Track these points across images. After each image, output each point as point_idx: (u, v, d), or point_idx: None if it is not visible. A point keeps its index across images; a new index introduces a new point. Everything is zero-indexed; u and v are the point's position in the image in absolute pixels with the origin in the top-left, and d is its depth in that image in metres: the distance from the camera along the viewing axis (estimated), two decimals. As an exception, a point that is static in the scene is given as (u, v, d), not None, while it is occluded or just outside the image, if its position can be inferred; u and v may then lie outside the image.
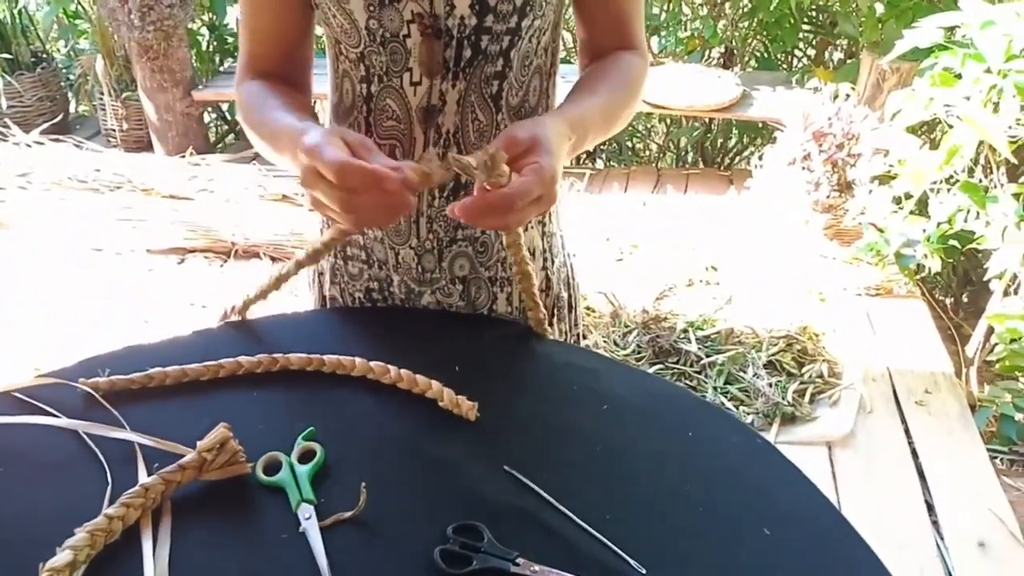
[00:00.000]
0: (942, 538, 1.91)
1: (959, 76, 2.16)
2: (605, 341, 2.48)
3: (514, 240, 0.89)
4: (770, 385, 2.28)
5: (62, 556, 0.65)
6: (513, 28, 0.88)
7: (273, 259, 3.02)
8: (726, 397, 2.28)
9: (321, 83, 0.97)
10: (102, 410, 0.82)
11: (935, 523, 1.95)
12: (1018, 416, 2.20)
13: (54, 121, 3.88)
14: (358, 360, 0.87)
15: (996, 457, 2.21)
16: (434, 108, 0.91)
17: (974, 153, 2.34)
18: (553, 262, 1.07)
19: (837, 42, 4.07)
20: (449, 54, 0.88)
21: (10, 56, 3.83)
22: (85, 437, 0.79)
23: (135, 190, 3.27)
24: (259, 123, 0.90)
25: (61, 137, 3.65)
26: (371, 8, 0.86)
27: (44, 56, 4.09)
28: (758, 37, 4.19)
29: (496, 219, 0.74)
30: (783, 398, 2.24)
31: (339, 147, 0.73)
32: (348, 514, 0.70)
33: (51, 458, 0.77)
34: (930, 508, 2.00)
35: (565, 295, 1.12)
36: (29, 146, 3.53)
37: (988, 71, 2.08)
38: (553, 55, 0.98)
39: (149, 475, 0.73)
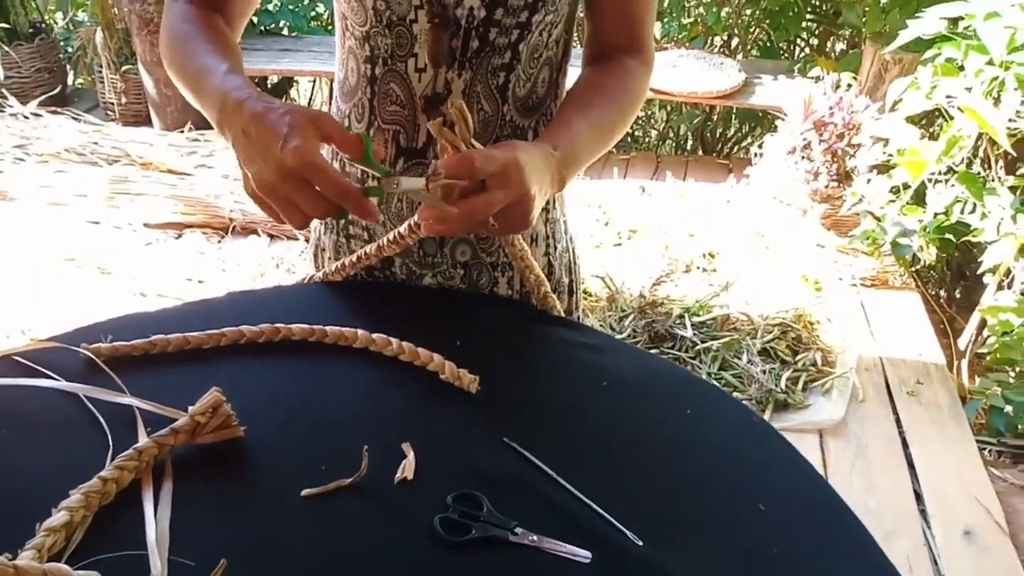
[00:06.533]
0: (929, 527, 1.93)
1: (962, 68, 2.17)
2: (601, 325, 2.49)
3: (510, 240, 0.91)
4: (764, 372, 2.29)
5: (58, 517, 0.65)
6: (523, 22, 0.87)
7: (271, 236, 3.02)
8: (720, 383, 2.29)
9: (328, 63, 0.96)
10: (103, 375, 0.82)
11: (923, 512, 1.97)
12: (1007, 408, 2.22)
13: (52, 93, 3.85)
14: (360, 332, 0.87)
15: (985, 448, 2.23)
16: (439, 97, 0.90)
17: (973, 145, 2.34)
18: (556, 247, 1.07)
19: (840, 32, 4.07)
20: (456, 44, 0.87)
21: (8, 26, 3.79)
22: (86, 401, 0.79)
23: (133, 164, 3.26)
24: (186, 58, 0.84)
25: (59, 109, 3.63)
26: None
27: (43, 27, 4.05)
28: (761, 25, 4.18)
29: (468, 224, 0.75)
30: (776, 385, 2.26)
31: (324, 159, 0.70)
32: (349, 480, 0.70)
33: (52, 421, 0.78)
34: (918, 497, 2.02)
35: (566, 280, 1.12)
36: (27, 117, 3.51)
37: (991, 63, 2.08)
38: (566, 46, 0.96)
39: (150, 439, 0.73)
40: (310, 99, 4.67)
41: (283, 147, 0.68)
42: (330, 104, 1.06)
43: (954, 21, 2.24)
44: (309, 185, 0.70)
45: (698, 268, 2.83)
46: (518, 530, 0.67)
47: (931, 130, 3.22)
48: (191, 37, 0.86)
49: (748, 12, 4.09)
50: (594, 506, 0.70)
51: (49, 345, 0.86)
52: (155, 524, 0.67)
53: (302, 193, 0.70)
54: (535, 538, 0.67)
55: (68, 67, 4.25)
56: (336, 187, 0.70)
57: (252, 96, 0.73)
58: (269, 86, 4.49)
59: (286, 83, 4.54)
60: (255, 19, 3.97)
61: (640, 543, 0.67)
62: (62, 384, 0.81)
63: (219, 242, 3.00)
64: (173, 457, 0.73)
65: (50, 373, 0.82)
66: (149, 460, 0.72)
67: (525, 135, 0.97)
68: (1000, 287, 2.42)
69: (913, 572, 1.82)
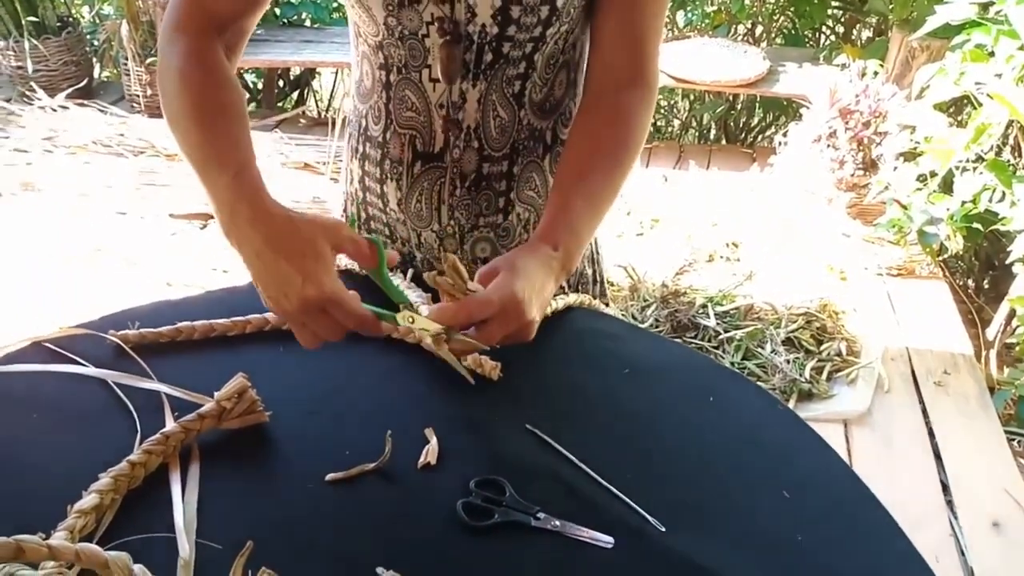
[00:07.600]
0: (956, 518, 1.91)
1: (991, 53, 2.13)
2: (624, 314, 2.48)
3: None
4: (788, 361, 2.27)
5: (88, 499, 0.66)
6: (537, 37, 0.86)
7: (294, 226, 3.03)
8: (743, 372, 2.28)
9: (345, 53, 0.95)
10: (131, 362, 0.83)
11: (950, 503, 1.95)
12: (1037, 399, 2.19)
13: (79, 86, 3.89)
14: (383, 319, 0.88)
15: (1013, 439, 2.20)
16: (455, 106, 0.90)
17: (1003, 133, 2.30)
18: None
19: (866, 19, 4.00)
20: (469, 57, 0.87)
21: (36, 19, 3.84)
22: (114, 387, 0.80)
23: (158, 155, 3.29)
24: (195, 128, 0.80)
25: (85, 102, 3.67)
26: (389, 7, 0.84)
27: (70, 20, 4.10)
28: (785, 13, 4.13)
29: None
30: (800, 375, 2.24)
31: (349, 294, 0.72)
32: (372, 465, 0.71)
33: (82, 406, 0.79)
34: (945, 488, 1.99)
35: (589, 271, 1.12)
36: (54, 110, 3.55)
37: (1022, 48, 2.04)
38: (582, 47, 0.94)
39: (177, 424, 0.74)
40: (332, 90, 4.68)
41: (304, 283, 0.70)
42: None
43: (984, 6, 2.20)
44: (327, 314, 0.72)
45: (721, 257, 2.81)
46: (540, 515, 0.67)
47: (959, 118, 3.17)
48: (199, 99, 0.81)
49: (772, 0, 4.05)
50: (616, 491, 0.70)
51: (78, 332, 0.87)
52: (183, 507, 0.68)
53: (319, 322, 0.72)
54: (557, 523, 0.67)
55: (94, 60, 4.30)
56: (353, 319, 0.72)
57: (264, 212, 0.73)
58: (291, 77, 4.51)
59: (308, 74, 4.56)
60: (277, 11, 3.98)
61: (662, 528, 0.67)
62: (91, 370, 0.82)
63: (243, 233, 3.02)
64: (200, 442, 0.74)
65: (79, 359, 0.83)
66: (176, 444, 0.73)
67: (543, 135, 0.96)
68: (1030, 276, 2.39)
69: (940, 564, 1.80)
